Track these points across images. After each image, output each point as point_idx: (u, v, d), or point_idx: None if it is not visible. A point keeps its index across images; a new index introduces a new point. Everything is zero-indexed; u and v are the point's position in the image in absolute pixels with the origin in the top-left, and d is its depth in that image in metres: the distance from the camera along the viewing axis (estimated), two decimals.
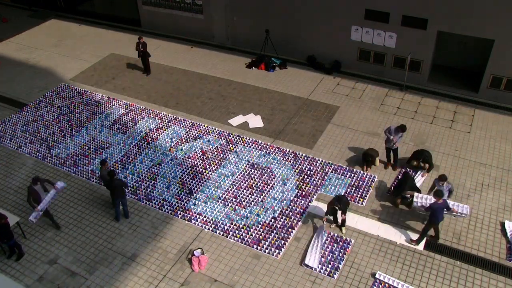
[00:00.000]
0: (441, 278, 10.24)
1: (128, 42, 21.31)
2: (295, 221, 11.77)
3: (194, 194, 12.79)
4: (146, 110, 16.40)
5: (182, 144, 14.65)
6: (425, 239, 10.89)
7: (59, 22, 24.06)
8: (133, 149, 14.59)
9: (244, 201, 12.49)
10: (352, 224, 11.57)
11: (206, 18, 20.29)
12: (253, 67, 18.71)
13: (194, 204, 12.49)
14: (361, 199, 12.19)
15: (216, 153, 14.20)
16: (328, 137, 14.60)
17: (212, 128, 15.26)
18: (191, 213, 12.25)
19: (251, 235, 11.51)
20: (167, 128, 15.43)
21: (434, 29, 15.41)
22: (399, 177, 12.68)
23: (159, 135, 15.11)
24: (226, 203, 12.46)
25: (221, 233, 11.64)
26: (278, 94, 16.91)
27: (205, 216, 12.11)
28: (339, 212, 11.10)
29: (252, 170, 13.46)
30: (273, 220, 11.88)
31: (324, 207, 11.88)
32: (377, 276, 10.26)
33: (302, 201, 12.33)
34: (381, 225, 11.53)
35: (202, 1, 19.83)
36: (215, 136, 14.89)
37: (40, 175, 13.82)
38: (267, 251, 11.08)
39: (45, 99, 17.45)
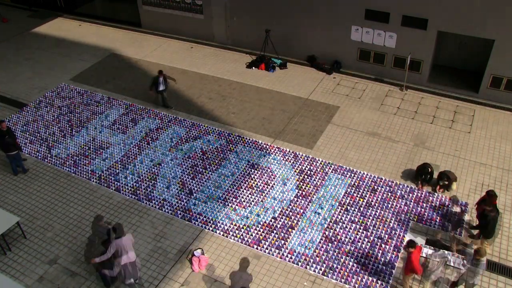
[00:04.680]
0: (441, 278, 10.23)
1: (128, 42, 21.34)
2: (295, 221, 11.77)
3: (194, 194, 12.79)
4: (146, 110, 16.40)
5: (182, 144, 14.65)
6: None
7: (59, 22, 24.07)
8: (133, 149, 14.59)
9: (244, 201, 12.49)
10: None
11: (206, 18, 20.29)
12: (253, 67, 18.71)
13: (194, 204, 12.49)
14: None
15: (216, 153, 14.20)
16: (328, 137, 14.60)
17: (212, 128, 15.26)
18: (191, 213, 12.25)
19: (251, 235, 11.52)
20: (167, 128, 15.43)
21: (434, 29, 15.42)
22: None
23: (159, 135, 15.12)
24: (226, 203, 12.46)
25: (221, 233, 11.64)
26: (278, 94, 16.91)
27: (205, 216, 12.11)
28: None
29: (252, 170, 13.46)
30: (273, 220, 11.88)
31: None
32: None
33: (302, 201, 12.34)
34: None
35: (202, 1, 19.83)
36: (215, 136, 14.89)
37: (40, 175, 13.85)
38: (267, 251, 11.08)
39: (45, 99, 17.46)
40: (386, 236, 11.24)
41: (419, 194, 12.32)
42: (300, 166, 13.50)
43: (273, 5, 18.21)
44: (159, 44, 21.09)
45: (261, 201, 12.45)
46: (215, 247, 11.27)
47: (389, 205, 12.07)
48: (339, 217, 11.82)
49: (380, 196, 12.34)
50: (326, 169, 13.32)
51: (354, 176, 13.05)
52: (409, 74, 16.49)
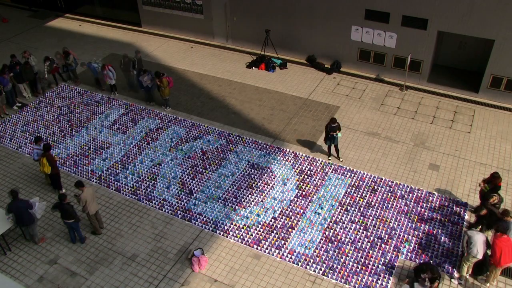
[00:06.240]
0: (441, 279, 10.24)
1: (128, 42, 21.33)
2: (295, 221, 11.77)
3: (194, 194, 12.79)
4: (146, 110, 16.40)
5: (182, 144, 14.65)
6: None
7: (59, 22, 24.07)
8: (133, 149, 14.59)
9: (244, 201, 12.49)
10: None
11: (206, 18, 20.29)
12: (253, 67, 18.71)
13: (194, 204, 12.49)
14: None
15: (216, 153, 14.20)
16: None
17: (212, 128, 15.26)
18: (191, 213, 12.25)
19: (251, 235, 11.51)
20: (167, 128, 15.43)
21: (434, 29, 15.42)
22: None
23: (159, 135, 15.12)
24: (226, 203, 12.46)
25: (221, 233, 11.64)
26: (278, 94, 16.91)
27: (205, 216, 12.11)
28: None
29: (252, 170, 13.46)
30: (273, 220, 11.88)
31: None
32: None
33: (302, 201, 12.34)
34: None
35: (202, 1, 19.83)
36: (215, 136, 14.89)
37: (40, 175, 13.82)
38: (267, 251, 11.08)
39: (45, 99, 17.46)
40: (386, 236, 11.24)
41: (419, 194, 12.32)
42: (300, 166, 13.50)
43: (273, 5, 18.21)
44: (159, 44, 21.09)
45: (261, 201, 12.45)
46: (215, 247, 11.27)
47: (389, 205, 12.07)
48: (339, 217, 11.82)
49: (380, 196, 12.34)
50: (326, 169, 13.32)
51: (354, 176, 13.04)
52: (409, 74, 16.49)
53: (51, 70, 17.59)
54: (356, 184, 12.78)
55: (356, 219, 11.72)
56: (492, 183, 10.80)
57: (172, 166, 13.81)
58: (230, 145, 14.50)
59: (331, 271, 10.47)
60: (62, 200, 10.89)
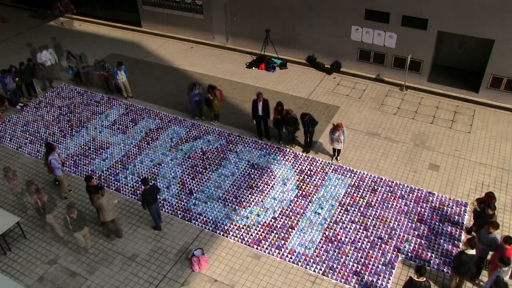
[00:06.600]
0: (442, 279, 10.23)
1: (128, 42, 21.33)
2: (295, 221, 11.77)
3: (194, 194, 12.79)
4: (146, 110, 16.40)
5: (182, 144, 14.65)
6: None
7: (59, 22, 24.06)
8: (133, 149, 14.59)
9: (244, 201, 12.49)
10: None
11: (206, 18, 20.29)
12: (253, 67, 18.71)
13: (194, 204, 12.49)
14: None
15: (216, 153, 14.20)
16: (328, 137, 14.56)
17: (212, 128, 15.26)
18: (191, 213, 12.25)
19: (251, 235, 11.52)
20: (167, 128, 15.43)
21: (434, 29, 15.42)
22: None
23: (159, 135, 15.12)
24: (226, 203, 12.46)
25: (221, 233, 11.64)
26: (278, 94, 16.90)
27: (205, 216, 12.11)
28: None
29: (252, 170, 13.46)
30: (273, 220, 11.88)
31: None
32: None
33: (302, 201, 12.34)
34: None
35: (202, 1, 19.84)
36: (215, 136, 14.89)
37: (40, 175, 13.85)
38: (267, 251, 11.08)
39: (45, 99, 17.46)
40: (386, 236, 11.24)
41: (419, 194, 12.32)
42: (300, 166, 13.50)
43: (273, 5, 18.21)
44: (159, 44, 21.10)
45: (261, 201, 12.45)
46: (215, 247, 11.27)
47: (389, 205, 12.07)
48: (339, 217, 11.82)
49: (380, 196, 12.34)
50: (326, 169, 13.32)
51: (354, 176, 13.04)
52: (409, 74, 16.49)
53: (105, 78, 17.16)
54: (356, 184, 12.78)
55: (356, 219, 11.72)
56: (486, 203, 10.26)
57: (172, 166, 13.81)
58: (230, 145, 14.50)
59: (331, 271, 10.47)
60: (88, 182, 11.50)
